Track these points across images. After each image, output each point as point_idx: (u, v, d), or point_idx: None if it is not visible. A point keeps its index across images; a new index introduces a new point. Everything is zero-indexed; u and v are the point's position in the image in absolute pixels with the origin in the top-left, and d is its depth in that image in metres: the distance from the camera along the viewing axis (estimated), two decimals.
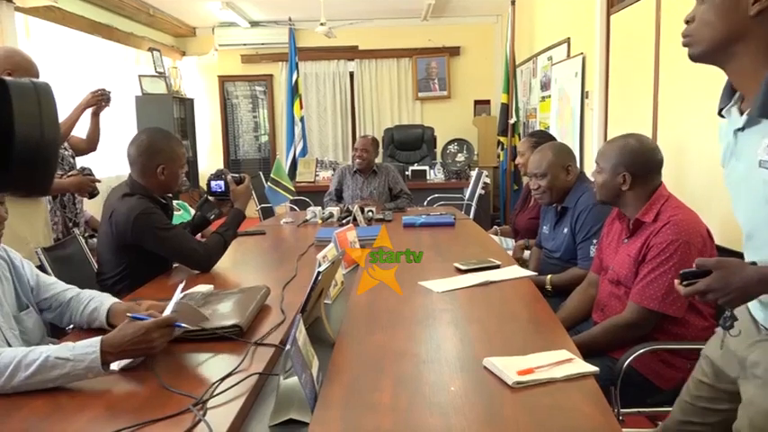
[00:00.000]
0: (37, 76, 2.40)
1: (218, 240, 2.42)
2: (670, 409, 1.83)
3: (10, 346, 1.49)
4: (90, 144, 3.21)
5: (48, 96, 0.65)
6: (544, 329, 1.64)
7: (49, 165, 0.65)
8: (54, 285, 1.75)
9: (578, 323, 2.12)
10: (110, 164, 5.30)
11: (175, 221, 2.94)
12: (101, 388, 1.32)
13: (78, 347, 1.30)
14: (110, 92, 3.16)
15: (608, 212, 2.17)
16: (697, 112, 2.90)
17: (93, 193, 2.84)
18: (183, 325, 1.43)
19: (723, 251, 1.91)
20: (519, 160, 3.52)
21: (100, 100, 3.11)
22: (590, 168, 2.75)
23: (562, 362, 1.34)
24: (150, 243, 2.27)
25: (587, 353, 1.48)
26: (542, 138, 3.36)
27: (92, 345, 1.30)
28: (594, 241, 2.36)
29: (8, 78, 0.63)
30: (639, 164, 1.91)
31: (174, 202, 3.29)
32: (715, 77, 2.77)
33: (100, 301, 1.69)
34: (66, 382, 1.29)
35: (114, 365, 1.36)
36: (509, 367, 1.29)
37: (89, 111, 3.13)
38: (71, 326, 1.74)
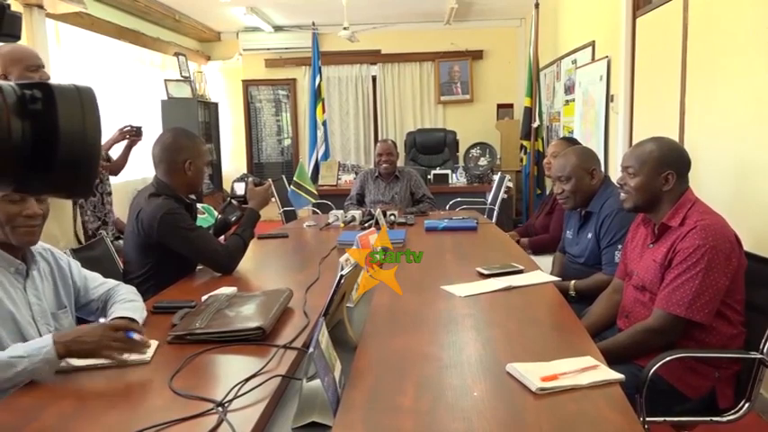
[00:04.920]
0: (34, 62, 2.43)
1: (238, 242, 2.46)
2: (697, 418, 1.81)
3: None
4: (114, 170, 3.33)
5: (90, 100, 0.67)
6: (568, 335, 1.62)
7: (92, 166, 0.68)
8: (100, 287, 1.85)
9: (603, 330, 2.09)
10: (137, 167, 5.38)
11: (200, 224, 2.98)
12: (127, 388, 1.34)
13: (32, 344, 1.39)
14: (139, 126, 3.22)
15: (633, 217, 2.14)
16: (725, 117, 2.85)
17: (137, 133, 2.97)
18: (133, 335, 1.46)
19: (753, 258, 1.87)
20: (548, 159, 3.46)
21: (130, 136, 3.19)
22: (615, 173, 2.72)
23: (587, 368, 1.32)
24: (175, 243, 2.30)
25: (612, 360, 1.46)
26: (575, 144, 3.34)
27: (45, 340, 1.38)
28: (619, 246, 2.33)
29: (53, 82, 0.66)
30: (681, 162, 1.89)
31: (199, 206, 3.33)
32: (743, 81, 2.73)
33: (113, 310, 1.73)
34: (27, 378, 1.34)
35: (76, 362, 1.41)
36: (532, 373, 1.28)
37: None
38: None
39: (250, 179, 2.67)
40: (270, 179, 2.78)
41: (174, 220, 2.30)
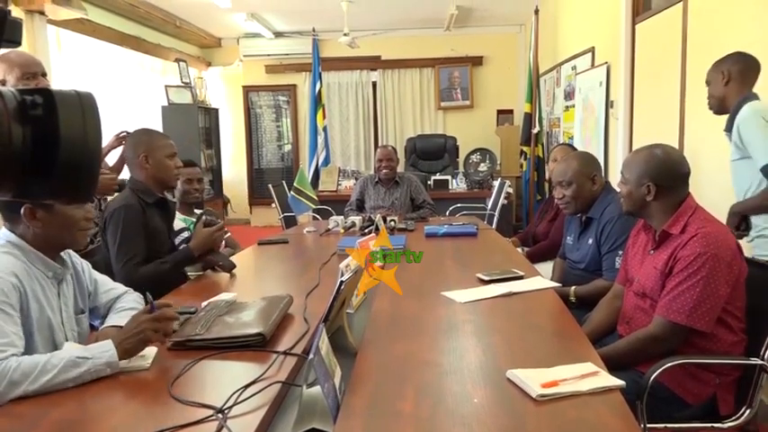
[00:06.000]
0: (31, 70, 2.45)
1: (148, 270, 2.28)
2: (698, 424, 1.80)
3: None
4: None
5: (91, 105, 0.67)
6: (568, 341, 1.62)
7: (93, 171, 0.68)
8: (109, 292, 1.86)
9: (604, 336, 2.08)
10: None
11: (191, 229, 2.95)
12: (127, 395, 1.34)
13: (95, 348, 1.42)
14: None
15: (634, 223, 2.14)
16: (724, 123, 2.86)
17: (122, 189, 2.95)
18: (155, 303, 1.51)
19: (753, 264, 1.87)
20: (551, 165, 3.45)
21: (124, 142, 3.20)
22: (614, 179, 2.73)
23: (587, 375, 1.32)
24: (108, 235, 2.30)
25: (613, 366, 1.46)
26: (573, 150, 3.34)
27: (106, 344, 1.42)
28: (620, 252, 2.33)
29: (54, 88, 0.66)
30: (664, 174, 1.88)
31: (198, 211, 3.32)
32: None
33: (107, 319, 1.78)
34: (89, 378, 1.36)
35: (124, 362, 1.44)
36: (533, 379, 1.28)
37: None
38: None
39: (203, 218, 2.56)
40: (222, 222, 2.60)
41: (124, 215, 2.28)
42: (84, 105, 0.66)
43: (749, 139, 2.27)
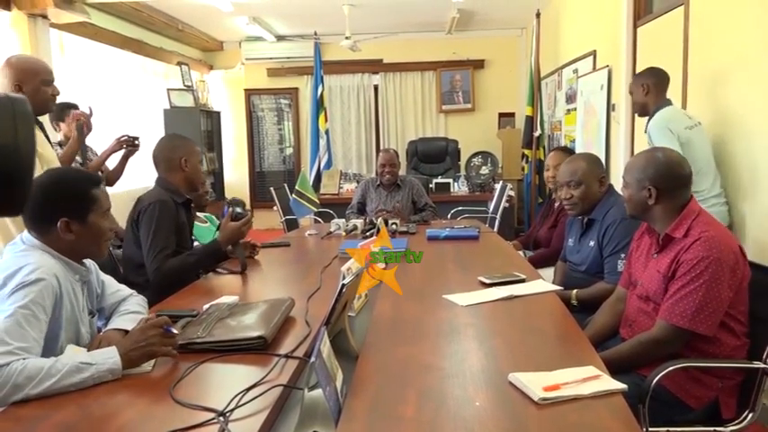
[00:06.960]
0: (50, 77, 2.47)
1: (174, 264, 2.36)
2: (700, 428, 1.79)
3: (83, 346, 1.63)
4: (108, 181, 3.36)
5: (24, 111, 0.64)
6: (570, 345, 1.62)
7: (25, 181, 0.65)
8: (115, 294, 1.88)
9: (606, 340, 2.08)
10: (139, 175, 5.40)
11: (203, 233, 2.97)
12: (129, 398, 1.34)
13: (97, 353, 1.44)
14: (136, 137, 3.27)
15: (637, 226, 2.14)
16: (726, 126, 2.86)
17: (134, 143, 3.14)
18: (172, 330, 1.52)
19: (757, 268, 1.86)
20: (552, 173, 3.35)
21: (127, 146, 3.23)
22: (615, 182, 2.73)
23: (589, 378, 1.32)
24: (143, 227, 2.35)
25: (615, 369, 1.45)
26: (572, 154, 3.33)
27: (110, 351, 1.43)
28: (622, 255, 2.32)
29: None
30: (664, 177, 1.87)
31: (201, 215, 3.33)
32: (744, 90, 2.74)
33: (111, 321, 1.79)
34: (91, 383, 1.37)
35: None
36: (535, 383, 1.28)
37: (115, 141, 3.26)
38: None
39: (230, 209, 2.59)
40: (250, 213, 2.71)
41: (159, 208, 2.37)
42: (17, 111, 0.63)
43: (656, 143, 2.71)
